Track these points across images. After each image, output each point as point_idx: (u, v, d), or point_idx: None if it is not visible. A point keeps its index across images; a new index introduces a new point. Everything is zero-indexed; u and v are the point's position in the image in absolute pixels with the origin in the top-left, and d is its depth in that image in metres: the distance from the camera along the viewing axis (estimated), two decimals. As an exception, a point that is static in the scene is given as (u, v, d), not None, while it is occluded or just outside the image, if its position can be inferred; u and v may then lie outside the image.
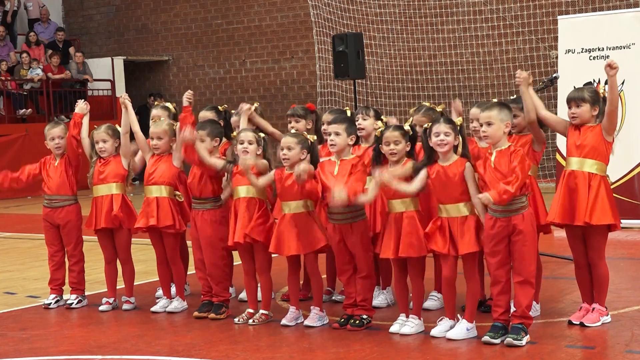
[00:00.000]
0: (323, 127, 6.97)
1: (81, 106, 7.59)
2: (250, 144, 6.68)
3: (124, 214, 7.30)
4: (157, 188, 7.15)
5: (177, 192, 7.23)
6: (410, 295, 6.41)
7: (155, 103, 7.96)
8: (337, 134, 6.39)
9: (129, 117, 7.26)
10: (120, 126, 7.35)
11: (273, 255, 6.84)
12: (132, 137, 7.33)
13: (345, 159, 6.41)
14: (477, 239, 6.00)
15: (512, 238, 5.87)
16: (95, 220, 7.34)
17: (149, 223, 7.09)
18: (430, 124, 6.11)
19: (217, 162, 6.84)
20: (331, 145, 6.41)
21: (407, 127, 6.20)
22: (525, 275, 5.87)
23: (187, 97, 7.15)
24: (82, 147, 7.50)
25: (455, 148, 6.03)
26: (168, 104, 7.70)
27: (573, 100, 6.23)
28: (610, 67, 6.02)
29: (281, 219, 6.56)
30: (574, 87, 6.53)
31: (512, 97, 6.75)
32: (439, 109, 6.62)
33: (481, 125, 5.92)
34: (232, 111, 7.55)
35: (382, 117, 6.90)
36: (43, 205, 7.61)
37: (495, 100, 6.32)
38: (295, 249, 6.49)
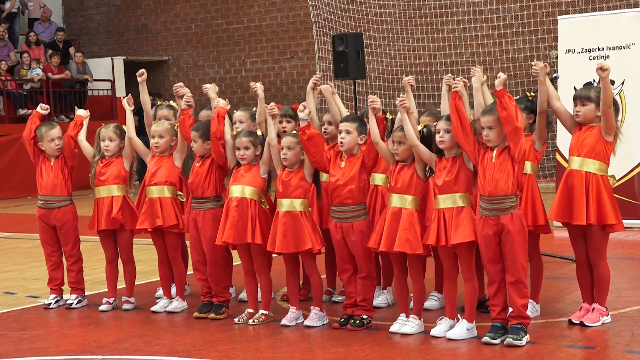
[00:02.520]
0: (324, 127, 6.98)
1: (83, 110, 7.68)
2: (246, 149, 6.67)
3: (124, 216, 7.30)
4: (159, 188, 7.15)
5: (179, 192, 7.24)
6: (411, 295, 6.41)
7: (159, 103, 7.97)
8: (347, 132, 6.39)
9: (126, 122, 7.29)
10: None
11: (272, 255, 6.84)
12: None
13: (354, 155, 6.42)
14: (473, 231, 5.99)
15: (501, 238, 5.88)
16: (97, 222, 7.36)
17: (156, 224, 7.10)
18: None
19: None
20: (340, 143, 6.41)
21: (418, 128, 6.19)
22: (517, 275, 5.86)
23: (185, 100, 7.14)
24: (80, 148, 7.51)
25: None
26: (172, 103, 7.70)
27: (579, 99, 6.26)
28: (602, 70, 6.04)
29: (275, 216, 6.57)
30: (574, 88, 6.54)
31: (515, 97, 6.76)
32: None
33: (483, 129, 5.92)
34: (234, 111, 7.52)
35: (387, 114, 6.91)
36: (38, 206, 7.59)
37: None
38: (279, 247, 6.49)
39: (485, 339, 5.89)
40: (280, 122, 7.13)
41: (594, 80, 10.99)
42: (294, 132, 6.80)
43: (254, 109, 7.38)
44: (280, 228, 6.49)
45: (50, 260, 7.61)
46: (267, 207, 6.75)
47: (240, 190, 6.66)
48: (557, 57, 11.95)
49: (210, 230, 6.87)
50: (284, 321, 6.63)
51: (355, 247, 6.40)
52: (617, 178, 10.57)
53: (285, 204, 6.52)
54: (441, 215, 6.04)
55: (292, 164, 6.52)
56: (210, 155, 6.93)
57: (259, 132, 6.76)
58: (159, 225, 7.10)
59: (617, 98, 10.73)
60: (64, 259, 7.64)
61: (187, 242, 7.51)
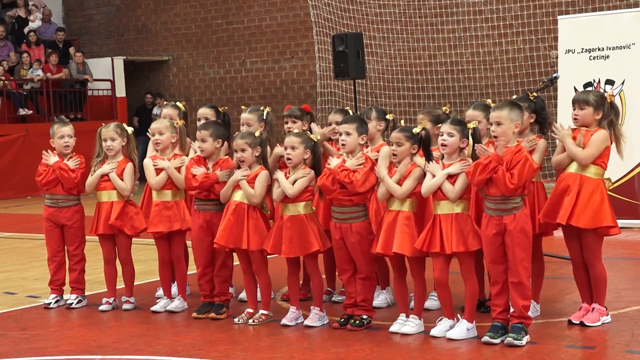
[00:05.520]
0: (331, 127, 7.01)
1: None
2: (243, 151, 6.65)
3: (123, 221, 7.29)
4: (173, 192, 7.16)
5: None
6: (411, 294, 6.41)
7: (165, 103, 7.99)
8: (347, 133, 6.38)
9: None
10: (127, 125, 7.42)
11: (272, 256, 6.84)
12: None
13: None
14: (470, 238, 5.99)
15: (504, 238, 5.87)
16: (96, 227, 7.37)
17: (173, 228, 7.13)
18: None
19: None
20: (342, 145, 6.40)
21: (416, 130, 6.18)
22: (519, 277, 5.85)
23: None
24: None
25: (461, 149, 6.03)
26: (178, 103, 7.71)
27: (577, 102, 6.28)
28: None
29: (279, 219, 6.57)
30: (574, 88, 6.54)
31: (515, 97, 6.76)
32: (445, 108, 6.68)
33: (491, 125, 5.92)
34: (243, 107, 7.54)
35: (387, 115, 6.91)
36: (45, 205, 7.56)
37: (515, 96, 6.31)
38: (285, 251, 6.50)
39: (485, 338, 5.89)
40: (286, 122, 7.15)
41: (594, 81, 11.00)
42: (297, 131, 6.79)
43: (262, 108, 7.36)
44: (286, 233, 6.48)
45: (53, 260, 7.59)
46: (269, 212, 6.75)
47: (240, 195, 6.66)
48: (557, 57, 11.95)
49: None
50: (284, 321, 6.63)
51: (354, 248, 6.40)
52: (617, 178, 10.61)
53: (289, 209, 6.51)
54: (438, 221, 6.04)
55: (297, 164, 6.51)
56: (220, 159, 6.91)
57: (257, 133, 6.75)
58: (177, 229, 7.12)
59: (617, 98, 10.74)
60: (66, 259, 7.63)
61: (188, 242, 7.53)
